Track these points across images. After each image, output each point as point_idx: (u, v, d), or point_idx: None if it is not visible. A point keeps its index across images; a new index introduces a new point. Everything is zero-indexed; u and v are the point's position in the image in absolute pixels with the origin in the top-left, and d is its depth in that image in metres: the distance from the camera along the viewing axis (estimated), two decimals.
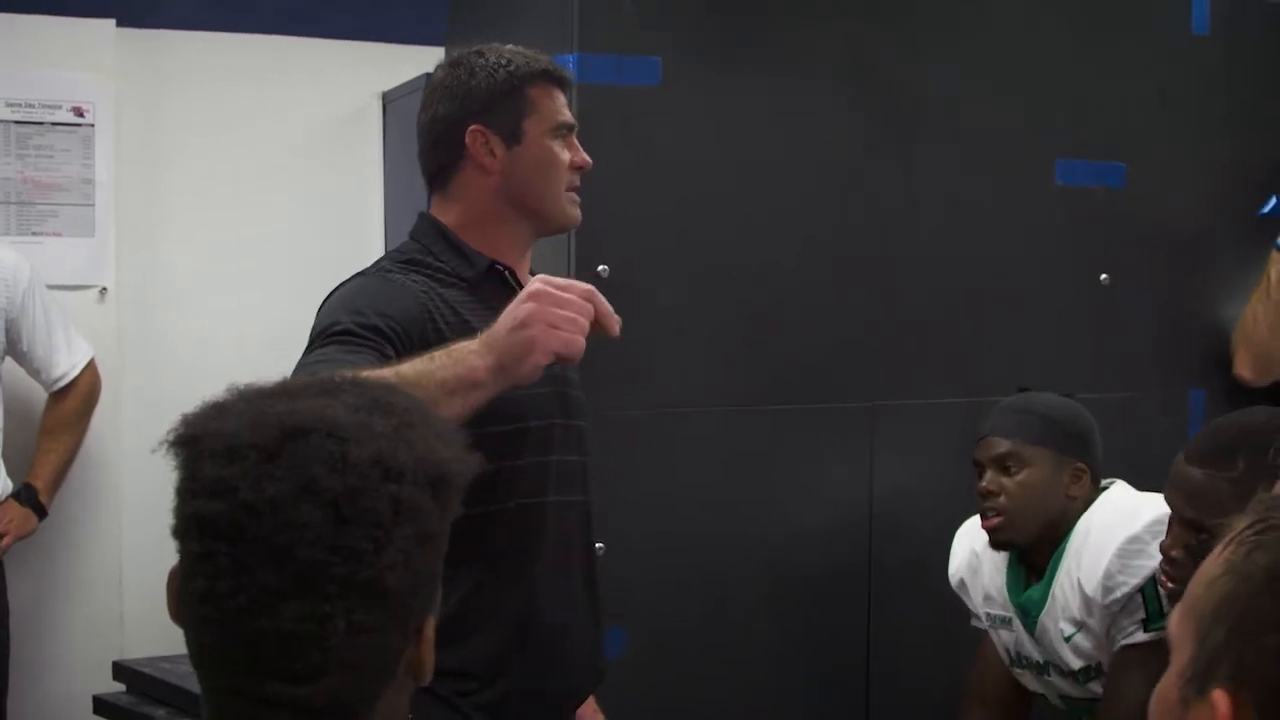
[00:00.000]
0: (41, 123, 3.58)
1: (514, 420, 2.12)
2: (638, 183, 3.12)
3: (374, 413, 1.20)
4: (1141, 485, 2.76)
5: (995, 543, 2.77)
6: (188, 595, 1.17)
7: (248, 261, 3.80)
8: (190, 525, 1.16)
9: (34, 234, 3.58)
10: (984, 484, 2.76)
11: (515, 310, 1.87)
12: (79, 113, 3.60)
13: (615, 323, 1.97)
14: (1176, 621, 1.12)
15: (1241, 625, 1.06)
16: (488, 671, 2.16)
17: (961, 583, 2.95)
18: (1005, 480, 2.74)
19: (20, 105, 3.56)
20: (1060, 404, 2.82)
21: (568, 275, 2.98)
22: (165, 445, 1.19)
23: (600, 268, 3.05)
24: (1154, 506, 2.57)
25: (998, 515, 2.74)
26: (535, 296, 1.87)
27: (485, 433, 2.03)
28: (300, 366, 1.96)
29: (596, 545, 2.99)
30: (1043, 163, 3.53)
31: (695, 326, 3.19)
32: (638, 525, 3.12)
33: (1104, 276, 3.59)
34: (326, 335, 2.02)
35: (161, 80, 3.72)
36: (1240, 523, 1.11)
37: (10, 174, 3.56)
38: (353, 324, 2.02)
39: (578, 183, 2.29)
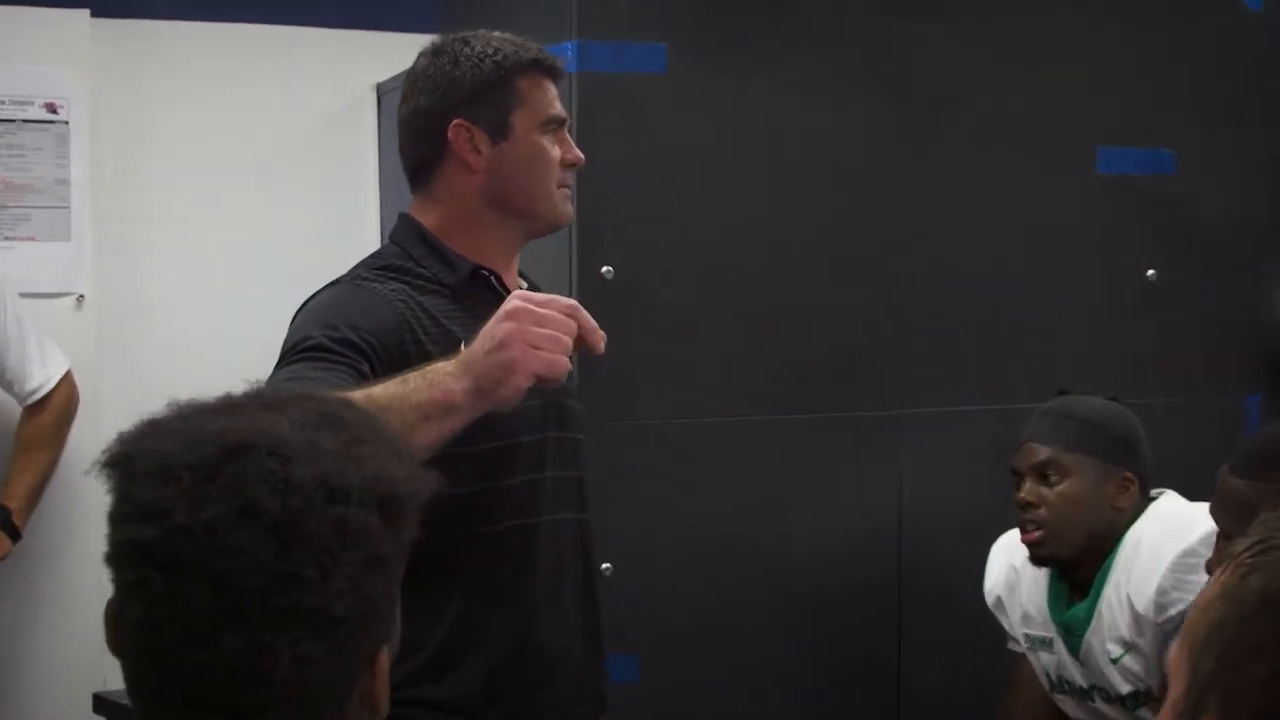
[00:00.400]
0: (12, 120, 3.57)
1: (504, 436, 2.12)
2: (642, 178, 3.12)
3: (322, 429, 1.19)
4: (1193, 499, 2.73)
5: (1036, 558, 2.75)
6: (122, 625, 1.16)
7: (234, 265, 3.79)
8: (123, 551, 1.16)
9: (5, 239, 3.57)
10: (1023, 494, 2.74)
11: (493, 330, 1.86)
12: (52, 109, 3.60)
13: (600, 339, 1.94)
14: (1175, 650, 1.12)
15: (1231, 652, 1.06)
16: (478, 703, 2.16)
17: (998, 601, 2.93)
18: (1045, 490, 2.72)
19: None
20: (1104, 408, 2.80)
21: (569, 276, 3.02)
22: (98, 466, 1.19)
23: (604, 268, 3.05)
24: (1209, 518, 2.55)
25: (1038, 528, 2.72)
26: (513, 315, 1.86)
27: (473, 450, 2.07)
28: (268, 384, 1.96)
29: (604, 566, 3.02)
30: (1083, 150, 3.51)
31: (706, 330, 3.19)
32: (648, 544, 3.13)
33: (1151, 273, 3.57)
34: (297, 351, 2.02)
35: (140, 74, 3.72)
36: (1240, 545, 1.10)
37: None
38: (325, 338, 2.02)
39: (570, 180, 2.27)
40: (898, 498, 3.34)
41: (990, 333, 3.44)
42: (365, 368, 2.00)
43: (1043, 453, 2.74)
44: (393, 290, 2.14)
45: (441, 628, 2.14)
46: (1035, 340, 3.47)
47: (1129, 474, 2.74)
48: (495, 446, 2.12)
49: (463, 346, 1.91)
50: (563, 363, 1.87)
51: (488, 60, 2.21)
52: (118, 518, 1.17)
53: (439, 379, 1.85)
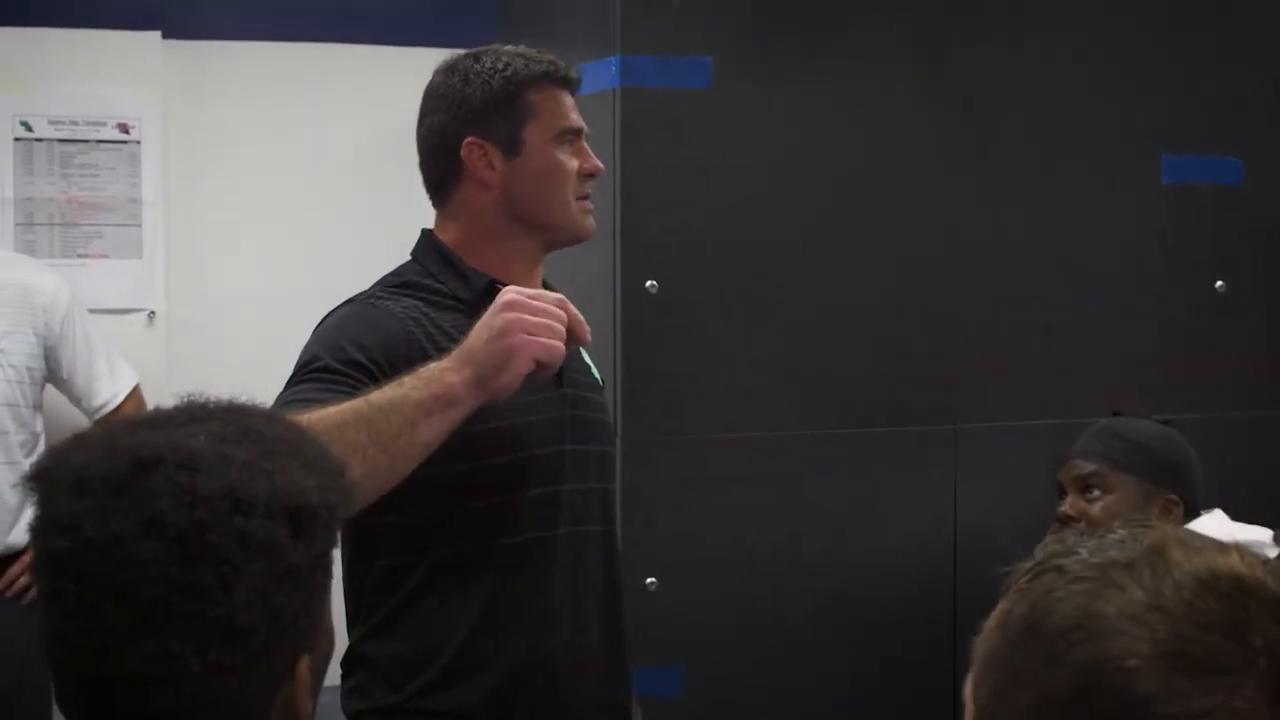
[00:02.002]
0: (86, 140, 3.68)
1: (517, 450, 2.16)
2: (687, 192, 3.13)
3: (239, 442, 1.23)
4: (1264, 514, 2.73)
5: None
6: (43, 636, 1.21)
7: (302, 281, 3.83)
8: (41, 563, 1.20)
9: (79, 256, 3.68)
10: (1064, 508, 2.76)
11: (491, 321, 1.95)
12: (124, 129, 3.70)
13: (587, 332, 2.04)
14: (968, 684, 1.11)
15: (998, 683, 1.05)
16: (492, 713, 2.18)
17: None
18: (1086, 506, 2.73)
19: (64, 122, 3.66)
20: (1155, 431, 2.80)
21: (613, 290, 3.04)
22: (24, 481, 1.24)
23: (648, 282, 3.07)
24: (1247, 536, 2.53)
25: None
26: (510, 306, 1.95)
27: (487, 465, 2.11)
28: (273, 406, 2.01)
29: (649, 580, 3.03)
30: (1147, 159, 3.47)
31: (751, 344, 3.19)
32: (694, 558, 3.13)
33: (1219, 284, 3.52)
34: (304, 372, 2.09)
35: (210, 93, 3.80)
36: (1020, 570, 1.10)
37: (54, 194, 3.66)
38: (331, 359, 2.08)
39: (589, 190, 2.29)
40: (953, 514, 3.32)
41: (1050, 345, 3.40)
42: (369, 386, 2.04)
43: (1086, 468, 2.76)
44: (405, 307, 2.18)
45: (456, 639, 2.16)
46: (1097, 353, 3.43)
47: (1174, 498, 2.73)
48: (509, 460, 2.15)
49: None
50: (560, 348, 1.97)
51: (497, 76, 2.24)
52: (37, 529, 1.22)
53: (436, 375, 1.94)
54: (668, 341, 3.11)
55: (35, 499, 1.23)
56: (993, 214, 3.35)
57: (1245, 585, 1.01)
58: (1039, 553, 1.09)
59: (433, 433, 1.92)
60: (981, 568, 3.27)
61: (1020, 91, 3.37)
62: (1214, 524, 2.70)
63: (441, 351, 2.09)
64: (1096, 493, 2.73)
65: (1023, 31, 3.38)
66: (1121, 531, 1.08)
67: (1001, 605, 1.10)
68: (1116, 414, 2.89)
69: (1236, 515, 2.77)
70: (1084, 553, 1.06)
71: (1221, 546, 1.05)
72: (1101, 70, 3.43)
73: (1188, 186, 3.48)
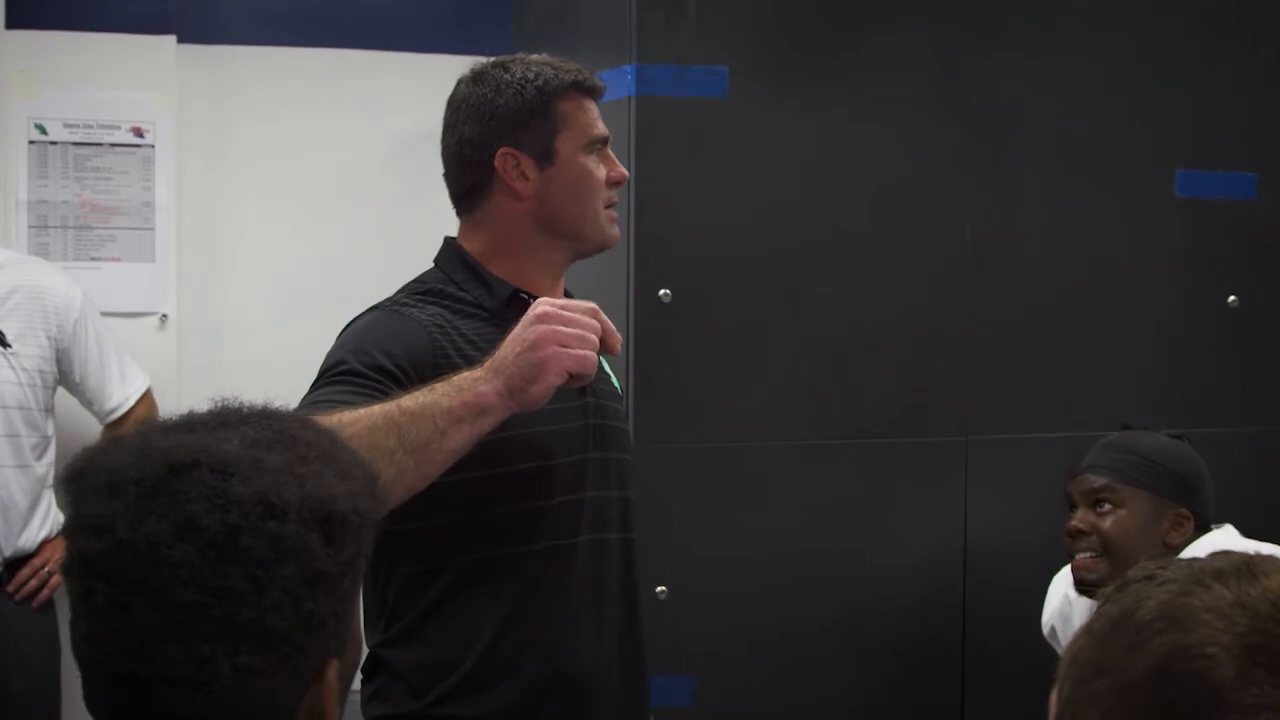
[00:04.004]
0: (100, 144, 3.70)
1: (541, 457, 2.17)
2: (701, 201, 3.14)
3: (272, 447, 1.24)
4: (1276, 529, 2.73)
5: (1080, 584, 2.76)
6: (74, 636, 1.22)
7: (315, 287, 3.85)
8: (73, 563, 1.21)
9: (92, 259, 3.69)
10: (1074, 522, 2.77)
11: (523, 333, 1.97)
12: (139, 133, 3.71)
13: (618, 341, 2.06)
14: (1053, 695, 1.14)
15: (1081, 675, 1.09)
16: None
17: (1053, 631, 2.94)
18: (1097, 520, 2.74)
19: (78, 126, 3.68)
20: (1166, 445, 2.81)
21: (627, 298, 3.05)
22: (57, 482, 1.25)
23: (661, 291, 3.08)
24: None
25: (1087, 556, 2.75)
26: (543, 318, 1.97)
27: (511, 471, 2.12)
28: (299, 408, 2.02)
29: (659, 589, 3.04)
30: (1161, 173, 3.47)
31: (764, 353, 3.20)
32: (707, 567, 3.14)
33: (1232, 298, 3.52)
34: (329, 376, 2.10)
35: (224, 98, 3.82)
36: (1108, 588, 1.15)
37: (68, 197, 3.68)
38: (356, 364, 2.09)
39: (615, 199, 2.32)
40: (964, 525, 3.32)
41: (1062, 359, 3.41)
42: (395, 391, 2.05)
43: (1097, 482, 2.77)
44: (430, 315, 2.20)
45: (479, 646, 2.17)
46: (1109, 367, 3.43)
47: (1184, 511, 2.74)
48: (535, 467, 2.17)
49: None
50: (593, 360, 1.99)
51: (529, 86, 2.24)
52: (70, 530, 1.23)
53: (467, 384, 1.95)
54: (681, 350, 3.12)
55: (68, 500, 1.24)
56: (1006, 226, 3.36)
57: None
58: (1131, 572, 1.14)
59: (462, 440, 1.93)
60: (992, 579, 3.31)
61: (1035, 104, 3.38)
62: (1225, 540, 2.71)
63: (466, 359, 2.12)
64: (1107, 506, 2.74)
65: (1038, 45, 3.39)
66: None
67: (1090, 617, 1.14)
68: (1127, 427, 2.89)
69: (1247, 531, 2.78)
70: (1175, 568, 1.11)
71: None
72: (1116, 85, 3.44)
73: (1201, 201, 3.48)
